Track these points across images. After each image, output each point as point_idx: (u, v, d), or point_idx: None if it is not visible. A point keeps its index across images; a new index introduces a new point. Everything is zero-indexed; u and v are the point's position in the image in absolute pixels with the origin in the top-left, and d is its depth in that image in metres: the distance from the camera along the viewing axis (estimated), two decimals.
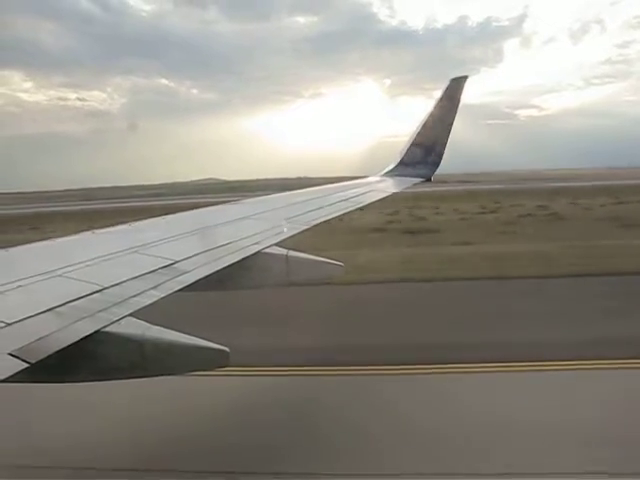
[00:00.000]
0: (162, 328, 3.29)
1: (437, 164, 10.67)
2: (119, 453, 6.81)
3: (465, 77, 10.44)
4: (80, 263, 3.69)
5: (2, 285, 3.07)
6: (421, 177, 10.62)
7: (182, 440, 7.04)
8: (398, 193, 9.89)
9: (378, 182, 10.25)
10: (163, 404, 7.98)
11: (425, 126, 10.58)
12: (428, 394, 8.37)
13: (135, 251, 4.24)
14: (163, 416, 7.79)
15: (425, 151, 10.63)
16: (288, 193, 8.80)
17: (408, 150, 10.83)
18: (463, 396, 8.10)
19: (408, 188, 10.47)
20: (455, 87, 10.29)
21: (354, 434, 7.18)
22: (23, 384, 2.66)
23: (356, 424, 7.45)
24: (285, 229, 5.80)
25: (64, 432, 7.33)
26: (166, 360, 3.25)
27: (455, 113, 10.37)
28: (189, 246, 4.63)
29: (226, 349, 3.38)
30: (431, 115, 10.48)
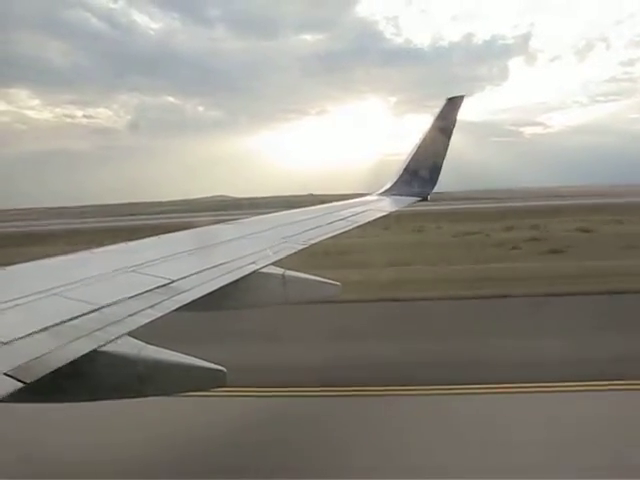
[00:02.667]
0: (159, 348, 3.27)
1: (434, 183, 10.70)
2: (112, 473, 6.76)
3: (462, 96, 10.51)
4: (77, 282, 3.68)
5: None
6: (418, 196, 10.65)
7: (175, 462, 6.98)
8: (400, 211, 9.94)
9: (375, 201, 10.27)
10: (159, 425, 7.91)
11: (422, 145, 10.63)
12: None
13: (132, 270, 4.23)
14: (158, 438, 7.72)
15: (422, 170, 10.66)
16: (285, 212, 8.83)
17: (405, 169, 10.86)
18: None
19: (407, 207, 10.51)
20: (452, 106, 10.36)
21: (350, 454, 7.16)
22: (18, 404, 2.64)
23: (353, 444, 7.43)
24: (279, 249, 5.81)
25: (58, 451, 7.27)
26: (162, 380, 3.22)
27: (452, 132, 10.43)
28: (186, 265, 4.62)
29: (223, 369, 3.35)
30: (428, 134, 10.54)
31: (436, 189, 10.84)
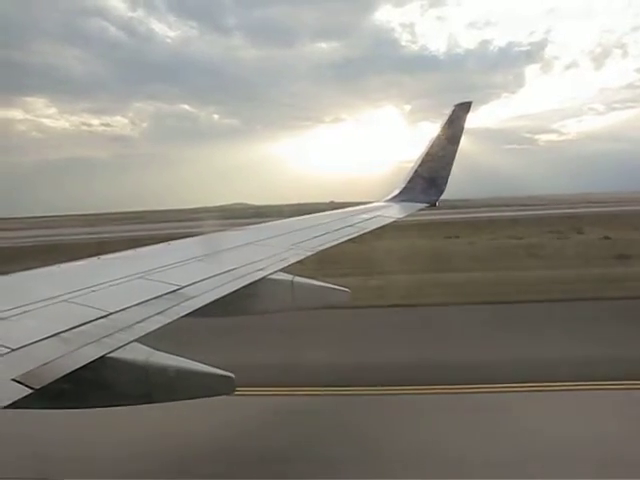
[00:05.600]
0: (167, 354, 3.25)
1: (442, 189, 10.68)
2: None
3: (469, 103, 10.49)
4: (85, 289, 3.68)
5: (7, 310, 3.06)
6: (426, 202, 10.62)
7: (183, 464, 6.99)
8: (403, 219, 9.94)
9: (383, 208, 10.24)
10: (166, 427, 7.90)
11: (430, 151, 10.61)
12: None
13: (141, 277, 4.23)
14: (164, 439, 7.73)
15: (430, 176, 10.64)
16: (294, 219, 8.82)
17: (413, 175, 10.85)
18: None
19: (413, 214, 10.49)
20: (460, 113, 10.34)
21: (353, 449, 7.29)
22: (26, 410, 2.63)
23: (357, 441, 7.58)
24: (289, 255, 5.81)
25: (66, 456, 7.29)
26: (171, 386, 3.21)
27: (459, 138, 10.41)
28: (195, 272, 4.61)
29: (232, 375, 3.34)
30: (436, 140, 10.53)
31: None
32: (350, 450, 7.32)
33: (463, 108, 10.41)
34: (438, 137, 10.52)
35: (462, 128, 10.41)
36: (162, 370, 3.14)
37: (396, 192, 11.01)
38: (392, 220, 9.15)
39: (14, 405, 2.16)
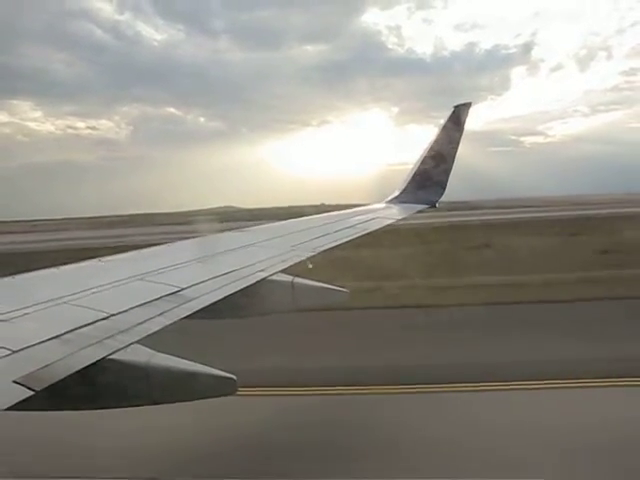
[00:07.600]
0: (168, 355, 3.25)
1: (442, 190, 10.66)
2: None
3: (469, 104, 10.48)
4: (86, 290, 3.68)
5: (8, 312, 3.06)
6: (426, 203, 10.61)
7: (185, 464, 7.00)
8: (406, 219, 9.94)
9: (383, 209, 10.24)
10: (167, 427, 7.90)
11: (430, 153, 10.60)
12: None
13: (141, 278, 4.23)
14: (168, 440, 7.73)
15: (430, 177, 10.63)
16: (294, 220, 8.82)
17: (413, 177, 10.83)
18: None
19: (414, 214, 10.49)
20: (459, 114, 10.32)
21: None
22: (28, 412, 2.63)
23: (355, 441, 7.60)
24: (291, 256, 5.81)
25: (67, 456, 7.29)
26: (172, 388, 3.21)
27: (459, 139, 10.39)
28: (195, 273, 4.62)
29: (233, 377, 3.33)
30: (435, 142, 10.51)
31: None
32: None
33: (463, 108, 10.39)
34: (437, 138, 10.51)
35: (462, 129, 10.40)
36: (163, 372, 3.14)
37: (396, 193, 10.99)
38: (392, 221, 9.15)
39: (15, 407, 2.16)
